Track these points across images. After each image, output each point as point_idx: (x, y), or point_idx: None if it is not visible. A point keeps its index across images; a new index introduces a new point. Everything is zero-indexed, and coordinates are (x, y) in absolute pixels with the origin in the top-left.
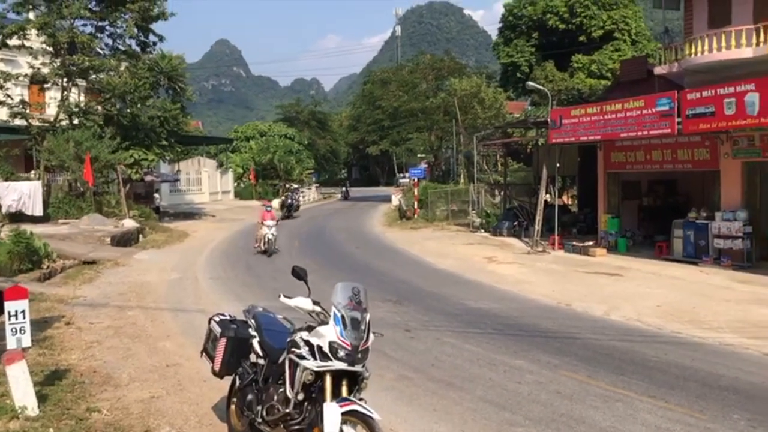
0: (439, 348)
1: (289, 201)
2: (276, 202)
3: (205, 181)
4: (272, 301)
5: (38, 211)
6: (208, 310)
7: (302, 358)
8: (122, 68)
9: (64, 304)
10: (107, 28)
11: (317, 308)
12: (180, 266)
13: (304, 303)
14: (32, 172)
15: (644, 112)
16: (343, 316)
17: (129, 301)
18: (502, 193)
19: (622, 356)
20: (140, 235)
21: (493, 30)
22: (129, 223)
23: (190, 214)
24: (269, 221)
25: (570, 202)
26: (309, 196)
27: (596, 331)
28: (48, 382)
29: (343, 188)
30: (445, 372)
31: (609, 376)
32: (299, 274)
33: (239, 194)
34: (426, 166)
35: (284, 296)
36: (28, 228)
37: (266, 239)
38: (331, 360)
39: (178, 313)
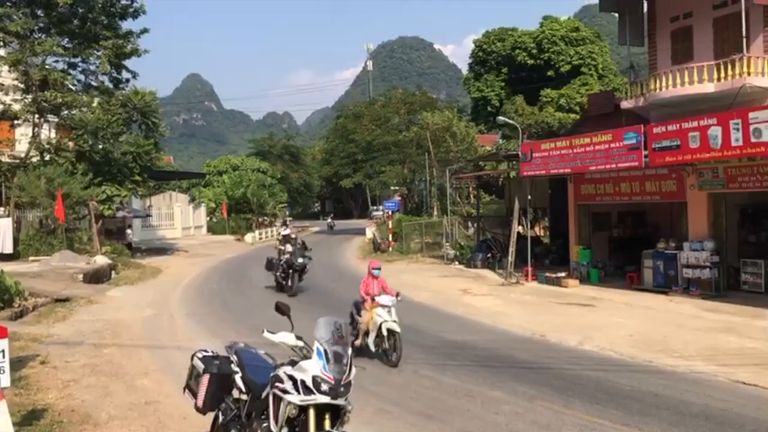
0: (418, 381)
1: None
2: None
3: (177, 216)
4: (250, 336)
5: (8, 249)
6: (185, 346)
7: (286, 392)
8: (95, 104)
9: (38, 342)
10: (80, 64)
11: (300, 343)
12: (154, 303)
13: (288, 338)
14: (1, 208)
15: (612, 145)
16: (326, 351)
17: (104, 338)
18: (475, 225)
19: (597, 386)
20: (113, 272)
21: (463, 64)
22: (101, 260)
23: (163, 249)
24: (385, 299)
25: (542, 234)
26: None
27: (571, 361)
28: (26, 422)
29: (329, 219)
30: (424, 404)
31: (584, 405)
32: (282, 309)
33: (212, 229)
34: (399, 198)
35: (268, 331)
36: None
37: (387, 337)
38: (314, 394)
39: (155, 350)
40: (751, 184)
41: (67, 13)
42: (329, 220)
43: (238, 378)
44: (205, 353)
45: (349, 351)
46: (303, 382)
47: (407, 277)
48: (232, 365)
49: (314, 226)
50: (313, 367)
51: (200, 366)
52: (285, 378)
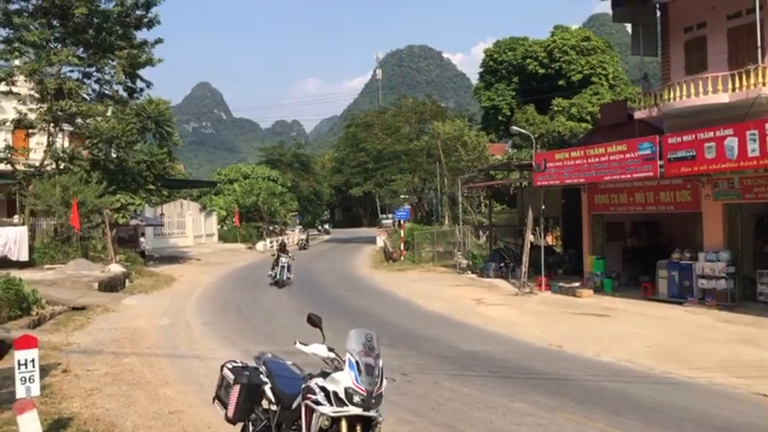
0: (438, 391)
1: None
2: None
3: (189, 224)
4: (267, 345)
5: (23, 257)
6: (204, 356)
7: (318, 404)
8: (109, 113)
9: (59, 351)
10: (94, 74)
11: (332, 354)
12: (170, 311)
13: (320, 350)
14: (16, 216)
15: (627, 155)
16: (357, 362)
17: (123, 347)
18: (486, 234)
19: (617, 397)
20: (127, 280)
21: (471, 73)
22: (116, 268)
23: (175, 257)
24: None
25: (554, 243)
26: (293, 238)
27: (589, 372)
28: (53, 431)
29: (324, 226)
30: (446, 415)
31: (606, 417)
32: (314, 321)
33: (223, 237)
34: (409, 207)
35: (300, 343)
36: (14, 273)
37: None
38: (346, 405)
39: (174, 359)
40: (767, 194)
41: (82, 24)
42: (325, 227)
43: (267, 389)
44: (234, 364)
45: (380, 362)
46: (335, 393)
47: (420, 286)
48: (262, 376)
49: (322, 234)
50: (345, 379)
51: (230, 376)
52: (317, 389)
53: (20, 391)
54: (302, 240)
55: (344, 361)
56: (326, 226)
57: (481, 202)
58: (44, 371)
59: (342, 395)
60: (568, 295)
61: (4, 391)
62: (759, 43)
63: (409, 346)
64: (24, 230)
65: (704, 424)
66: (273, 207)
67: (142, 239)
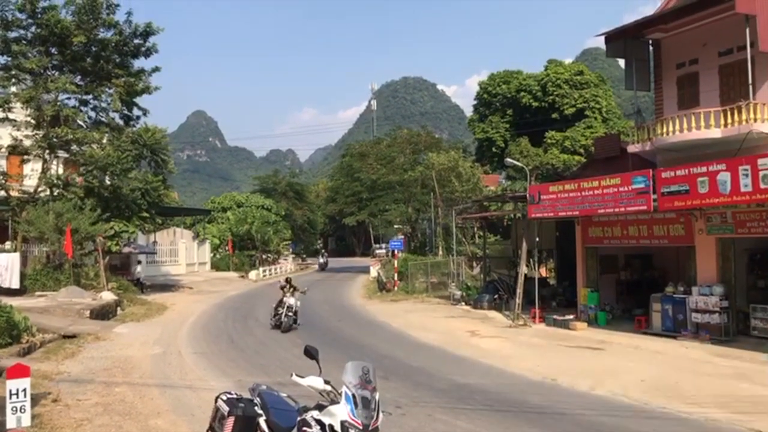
0: (432, 425)
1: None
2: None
3: (182, 252)
4: (259, 376)
5: (15, 284)
6: (196, 386)
7: None
8: (104, 140)
9: (49, 380)
10: (91, 101)
11: (328, 387)
12: (162, 340)
13: (316, 382)
14: (8, 243)
15: (621, 189)
16: (354, 395)
17: (114, 376)
18: (480, 265)
19: None
20: (119, 308)
21: (465, 105)
22: (107, 296)
23: (167, 286)
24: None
25: (548, 275)
26: (286, 267)
27: (584, 406)
28: None
29: (321, 258)
30: None
31: None
32: (311, 353)
33: (216, 265)
34: (403, 237)
35: (296, 375)
36: (5, 300)
37: None
38: None
39: (166, 389)
40: (760, 229)
41: (80, 52)
42: (321, 259)
43: (262, 421)
44: (229, 395)
45: (377, 396)
46: (331, 426)
47: (414, 317)
48: (256, 408)
49: (315, 263)
50: (341, 412)
51: (225, 408)
52: (313, 423)
53: (11, 422)
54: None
55: (340, 394)
56: (323, 259)
57: (475, 233)
58: (34, 401)
59: (338, 428)
60: (562, 328)
61: None
62: (750, 80)
63: (403, 378)
64: (16, 257)
65: None
66: (266, 236)
67: (138, 268)
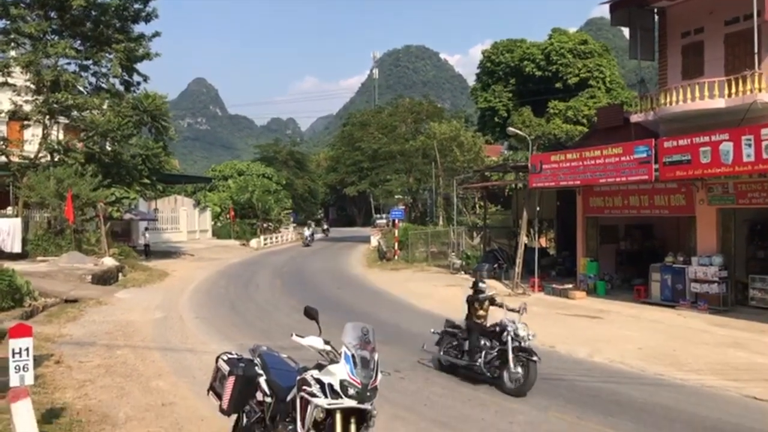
0: (430, 388)
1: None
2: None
3: (183, 219)
4: (261, 339)
5: (17, 248)
6: (197, 349)
7: (313, 395)
8: (105, 106)
9: (51, 342)
10: (91, 66)
11: (328, 347)
12: (163, 305)
13: (316, 342)
14: (9, 208)
15: (622, 159)
16: (353, 355)
17: (116, 340)
18: (480, 235)
19: (609, 398)
20: (120, 274)
21: (468, 74)
22: (109, 262)
23: (169, 252)
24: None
25: (548, 245)
26: (287, 236)
27: (581, 372)
28: (45, 420)
29: (308, 229)
30: (438, 412)
31: (597, 417)
32: (311, 314)
33: (217, 233)
34: (404, 207)
35: (296, 335)
36: (7, 265)
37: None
38: (341, 398)
39: (167, 352)
40: (761, 200)
41: (80, 16)
42: (307, 231)
43: (262, 381)
44: (230, 356)
45: (376, 356)
46: (330, 385)
47: (413, 286)
48: (257, 368)
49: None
50: (340, 371)
51: (225, 368)
52: (312, 382)
53: (14, 380)
54: (307, 237)
55: (340, 354)
56: (309, 231)
57: (475, 203)
58: (37, 362)
59: (337, 387)
60: (561, 297)
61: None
62: (756, 49)
63: (402, 343)
64: (18, 222)
65: (695, 425)
66: (267, 204)
67: (146, 234)
